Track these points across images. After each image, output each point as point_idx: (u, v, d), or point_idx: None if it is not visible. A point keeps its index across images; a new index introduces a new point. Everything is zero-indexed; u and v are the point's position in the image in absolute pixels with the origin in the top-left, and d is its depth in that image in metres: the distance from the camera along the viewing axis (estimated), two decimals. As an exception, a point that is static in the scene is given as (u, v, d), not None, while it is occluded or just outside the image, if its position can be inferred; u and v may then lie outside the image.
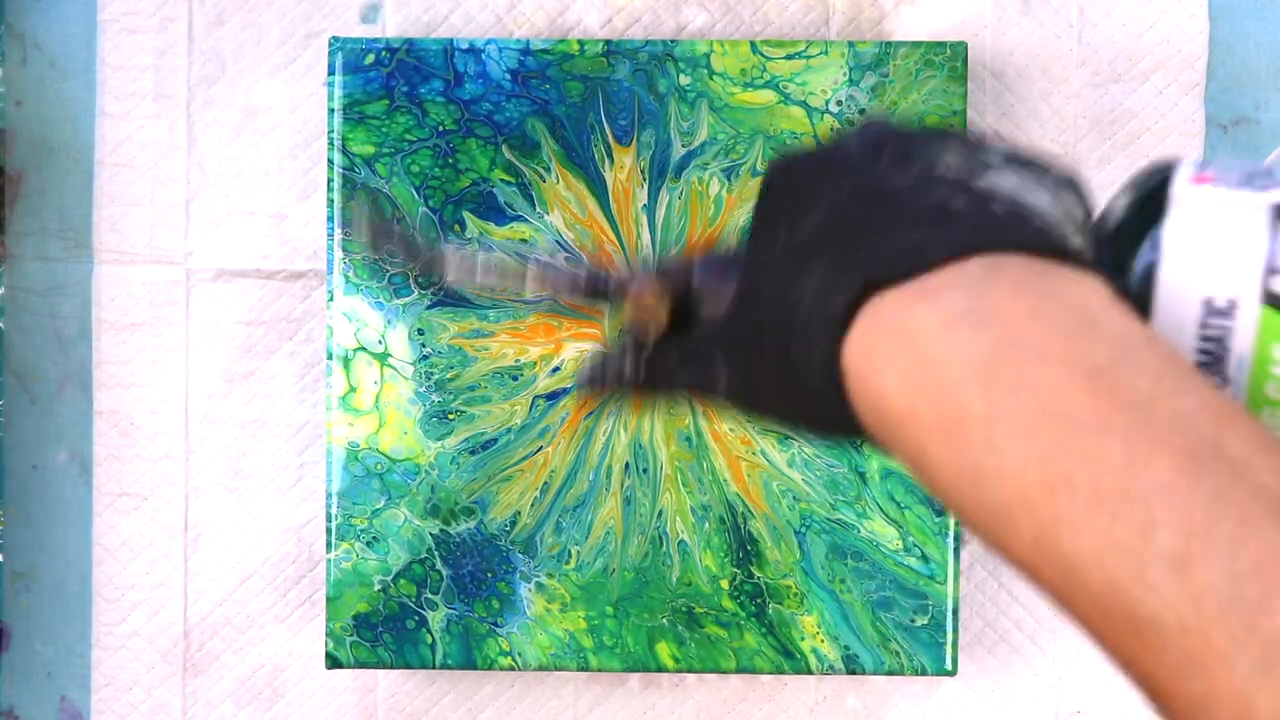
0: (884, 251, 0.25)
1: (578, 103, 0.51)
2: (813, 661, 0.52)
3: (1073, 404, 0.21)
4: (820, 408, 0.26)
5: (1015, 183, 0.26)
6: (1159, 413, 0.21)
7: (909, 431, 0.24)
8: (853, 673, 0.52)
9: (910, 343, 0.23)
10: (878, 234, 0.25)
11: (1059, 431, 0.21)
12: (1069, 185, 0.27)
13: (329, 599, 0.52)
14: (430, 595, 0.52)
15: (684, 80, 0.51)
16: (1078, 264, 0.24)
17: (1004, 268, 0.24)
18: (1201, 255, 0.25)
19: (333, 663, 0.52)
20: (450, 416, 0.52)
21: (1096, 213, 0.27)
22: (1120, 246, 0.27)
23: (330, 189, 0.52)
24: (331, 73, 0.52)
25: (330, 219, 0.52)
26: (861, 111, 0.51)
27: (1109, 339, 0.22)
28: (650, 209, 0.51)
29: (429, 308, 0.52)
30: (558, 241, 0.52)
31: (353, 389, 0.52)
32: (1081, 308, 0.23)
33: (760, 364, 0.28)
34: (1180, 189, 0.26)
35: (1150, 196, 0.26)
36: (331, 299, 0.52)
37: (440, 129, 0.52)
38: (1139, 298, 0.26)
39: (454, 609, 0.52)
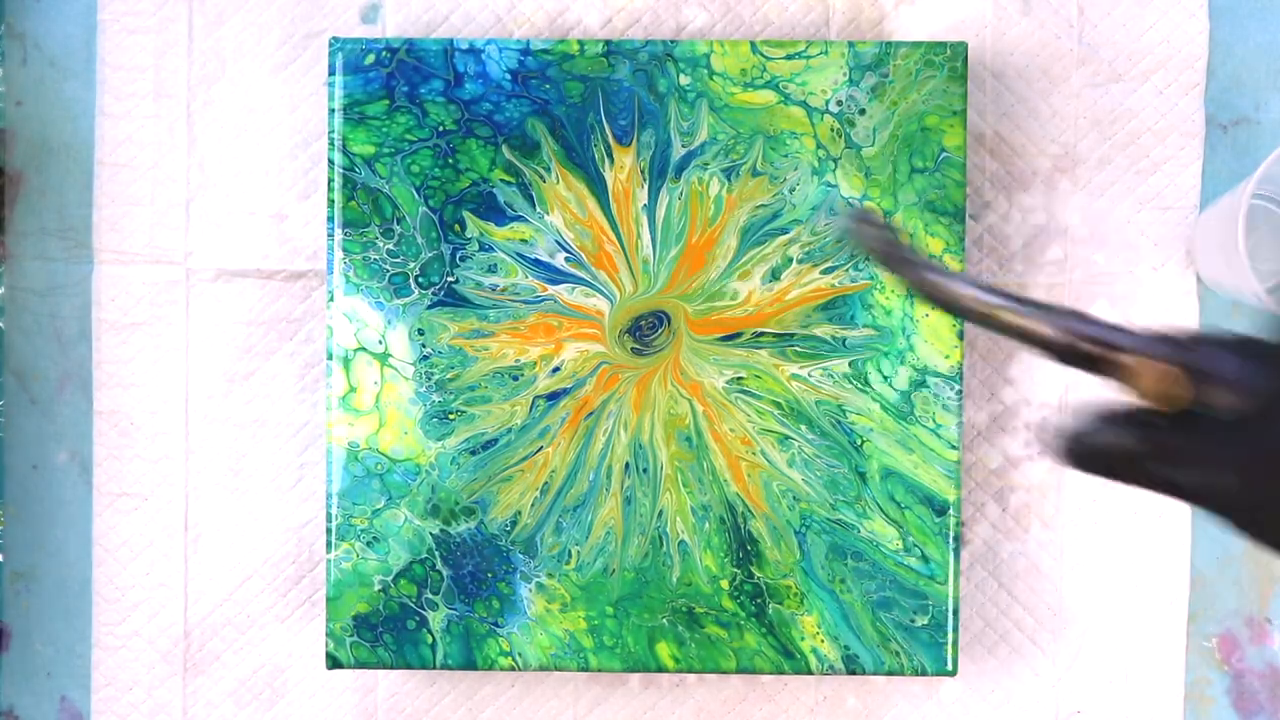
0: None
1: (578, 103, 0.51)
2: (813, 661, 0.52)
3: None
4: None
5: None
6: None
7: None
8: (853, 673, 0.52)
9: None
10: None
11: None
12: None
13: (329, 599, 0.52)
14: (430, 595, 0.52)
15: (684, 80, 0.51)
16: None
17: None
18: None
19: (333, 663, 0.52)
20: (450, 416, 0.52)
21: None
22: None
23: (330, 189, 0.52)
24: (331, 73, 0.52)
25: (330, 219, 0.52)
26: (861, 112, 0.51)
27: None
28: (650, 209, 0.51)
29: (429, 308, 0.52)
30: (558, 241, 0.52)
31: (353, 389, 0.52)
32: None
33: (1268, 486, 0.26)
34: None
35: None
36: (331, 299, 0.52)
37: (440, 129, 0.52)
38: None
39: (454, 609, 0.52)
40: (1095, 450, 0.29)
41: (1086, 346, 0.29)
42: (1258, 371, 0.27)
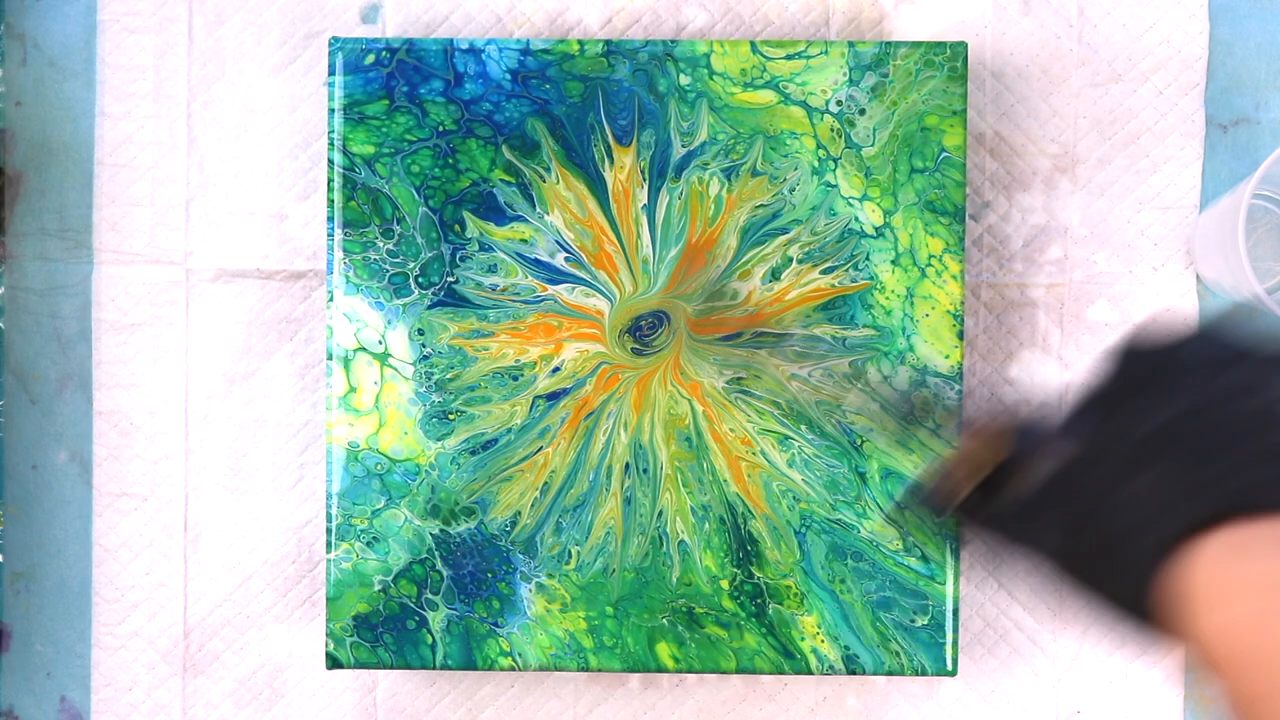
0: (1235, 482, 0.26)
1: (578, 103, 0.51)
2: (813, 661, 0.52)
3: None
4: (1131, 601, 0.28)
5: None
6: None
7: (1255, 669, 0.24)
8: (853, 673, 0.52)
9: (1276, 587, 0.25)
10: (1222, 460, 0.27)
11: None
12: None
13: (329, 599, 0.52)
14: (430, 595, 0.52)
15: (684, 80, 0.51)
16: None
17: None
18: None
19: (333, 663, 0.52)
20: (450, 416, 0.52)
21: None
22: None
23: (330, 189, 0.52)
24: (331, 73, 0.52)
25: (330, 219, 0.52)
26: (861, 112, 0.51)
27: None
28: (650, 209, 0.51)
29: (429, 308, 0.52)
30: (558, 241, 0.52)
31: (353, 389, 0.52)
32: None
33: (1081, 540, 0.29)
34: None
35: None
36: (331, 299, 0.52)
37: (440, 129, 0.52)
38: None
39: (454, 609, 0.52)
40: (945, 503, 0.35)
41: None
42: (1049, 443, 0.31)
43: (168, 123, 0.56)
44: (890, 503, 0.42)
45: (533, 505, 0.52)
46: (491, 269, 0.52)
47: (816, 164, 0.51)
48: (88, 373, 0.57)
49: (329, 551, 0.52)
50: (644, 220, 0.52)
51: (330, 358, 0.52)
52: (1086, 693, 0.56)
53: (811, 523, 0.51)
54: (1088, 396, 0.31)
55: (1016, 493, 0.32)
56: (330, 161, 0.52)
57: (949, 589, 0.51)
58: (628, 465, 0.52)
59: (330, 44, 0.52)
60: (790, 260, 0.51)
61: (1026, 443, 0.33)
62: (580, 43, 0.52)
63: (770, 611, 0.52)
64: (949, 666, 0.51)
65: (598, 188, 0.51)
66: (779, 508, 0.52)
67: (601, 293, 0.52)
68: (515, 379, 0.52)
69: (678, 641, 0.52)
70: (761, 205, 0.51)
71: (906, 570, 0.51)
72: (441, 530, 0.52)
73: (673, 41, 0.52)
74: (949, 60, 0.51)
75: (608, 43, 0.51)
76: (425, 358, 0.52)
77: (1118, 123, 0.56)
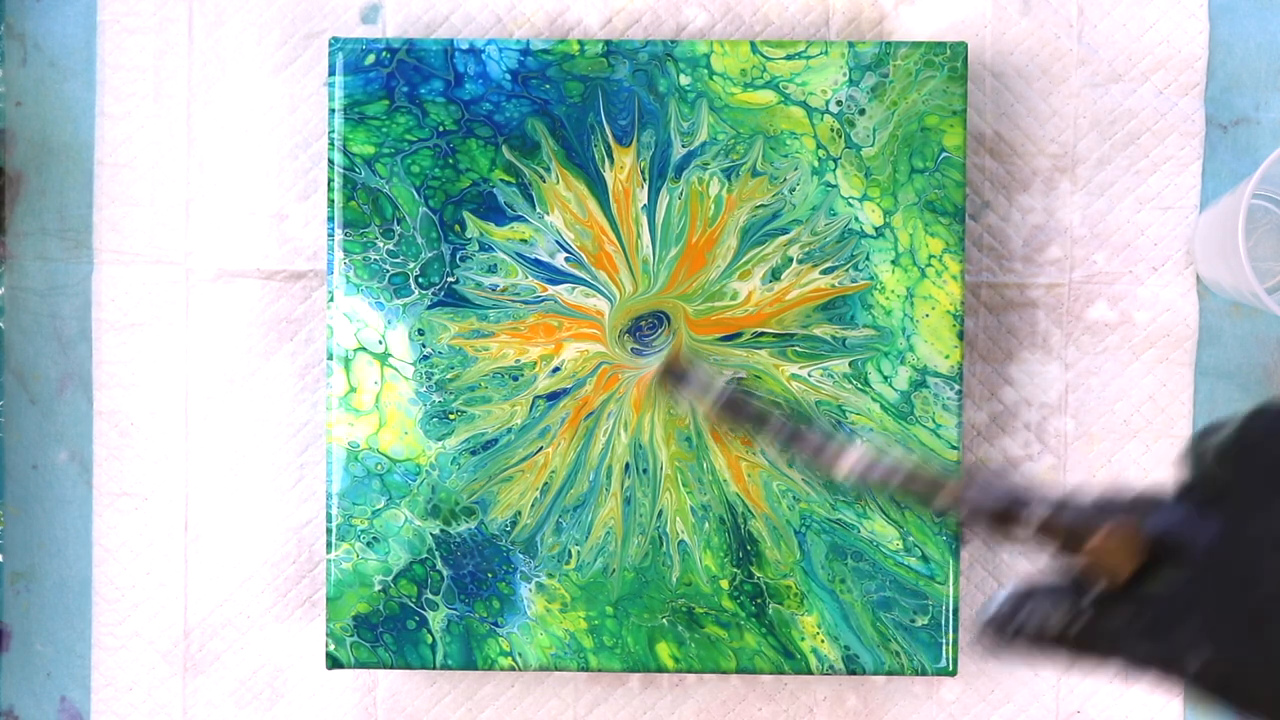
0: None
1: (578, 103, 0.51)
2: (813, 661, 0.52)
3: None
4: None
5: None
6: None
7: None
8: (853, 673, 0.52)
9: None
10: None
11: None
12: None
13: (329, 599, 0.52)
14: (431, 595, 0.52)
15: (684, 80, 0.51)
16: None
17: None
18: None
19: (333, 663, 0.52)
20: (451, 416, 0.52)
21: None
22: None
23: (330, 189, 0.52)
24: (332, 73, 0.52)
25: (330, 219, 0.52)
26: (861, 112, 0.51)
27: None
28: (650, 209, 0.51)
29: (429, 308, 0.52)
30: (558, 241, 0.52)
31: (353, 389, 0.52)
32: None
33: (1258, 647, 0.24)
34: None
35: None
36: (331, 299, 0.52)
37: (440, 129, 0.52)
38: None
39: (454, 609, 0.52)
40: (1022, 626, 0.27)
41: (1020, 511, 0.27)
42: (1194, 527, 0.25)
43: (168, 123, 0.56)
44: (972, 631, 0.32)
45: (533, 505, 0.52)
46: (491, 269, 0.52)
47: (816, 164, 0.51)
48: (88, 373, 0.57)
49: (329, 551, 0.52)
50: (644, 220, 0.52)
51: (330, 358, 0.52)
52: (1086, 693, 0.56)
53: (811, 522, 0.51)
54: (1237, 476, 0.25)
55: (1143, 602, 0.25)
56: (330, 161, 0.52)
57: (949, 589, 0.51)
58: (628, 465, 0.52)
59: (330, 44, 0.52)
60: (790, 260, 0.51)
61: (1167, 530, 0.25)
62: (580, 43, 0.52)
63: (770, 611, 0.52)
64: (949, 666, 0.51)
65: (598, 188, 0.52)
66: (779, 507, 0.52)
67: (601, 293, 0.52)
68: (515, 379, 0.52)
69: (678, 641, 0.52)
70: (761, 205, 0.51)
71: (906, 570, 0.51)
72: (442, 530, 0.52)
73: (673, 42, 0.52)
74: (949, 60, 0.51)
75: (608, 43, 0.51)
76: (425, 358, 0.52)
77: (1118, 123, 0.56)
